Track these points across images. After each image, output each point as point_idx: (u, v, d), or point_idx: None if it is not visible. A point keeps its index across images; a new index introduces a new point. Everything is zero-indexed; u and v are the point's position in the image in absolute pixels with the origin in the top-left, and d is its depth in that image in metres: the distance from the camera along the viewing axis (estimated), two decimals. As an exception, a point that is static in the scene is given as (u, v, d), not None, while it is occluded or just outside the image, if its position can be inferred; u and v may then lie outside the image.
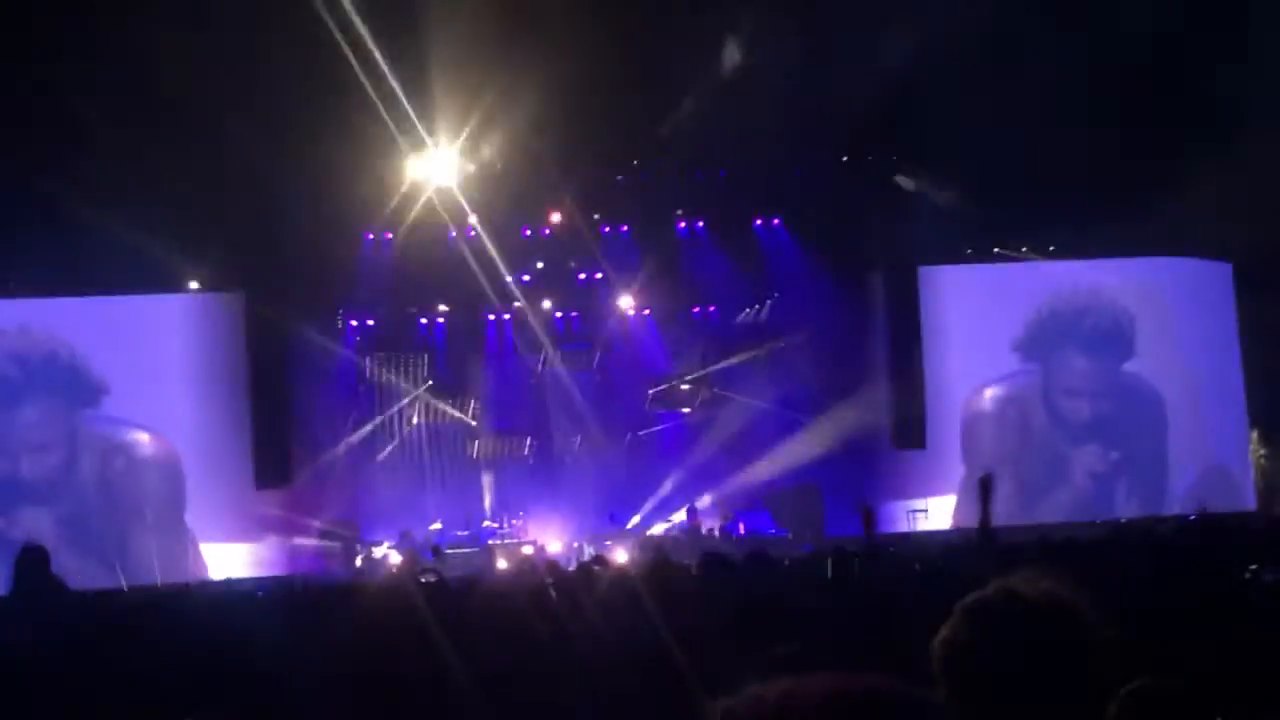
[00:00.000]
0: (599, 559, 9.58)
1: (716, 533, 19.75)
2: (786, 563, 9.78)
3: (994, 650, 2.14)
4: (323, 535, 18.93)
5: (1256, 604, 4.57)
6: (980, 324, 21.24)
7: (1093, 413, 21.47)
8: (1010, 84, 16.69)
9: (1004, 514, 19.67)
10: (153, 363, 19.31)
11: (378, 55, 15.53)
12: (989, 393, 21.38)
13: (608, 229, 20.48)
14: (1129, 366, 21.63)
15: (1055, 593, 2.17)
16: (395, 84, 15.86)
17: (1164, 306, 21.65)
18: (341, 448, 19.69)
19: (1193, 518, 16.49)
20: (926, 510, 20.04)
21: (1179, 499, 21.13)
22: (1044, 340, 21.46)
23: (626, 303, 20.88)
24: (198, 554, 19.06)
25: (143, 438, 19.35)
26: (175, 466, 19.35)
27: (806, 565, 9.21)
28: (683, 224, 20.88)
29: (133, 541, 18.89)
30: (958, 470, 20.83)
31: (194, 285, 19.17)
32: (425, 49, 15.75)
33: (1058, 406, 21.45)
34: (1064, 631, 2.13)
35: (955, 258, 20.97)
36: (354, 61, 15.39)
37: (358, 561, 18.72)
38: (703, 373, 21.82)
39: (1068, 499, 20.91)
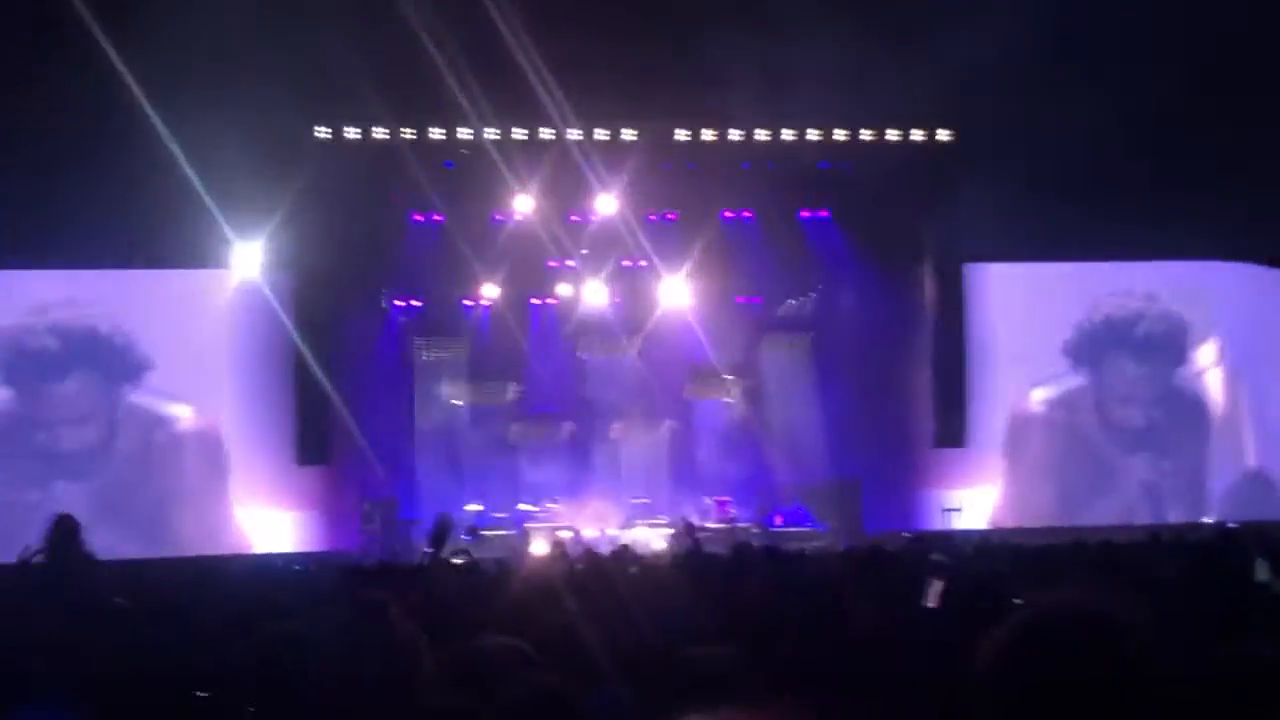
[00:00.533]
0: (625, 548, 9.61)
1: (753, 526, 19.70)
2: (815, 557, 9.78)
3: (1056, 676, 1.95)
4: (362, 514, 19.05)
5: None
6: (1027, 323, 21.07)
7: (1145, 420, 21.27)
8: (1065, 86, 16.57)
9: (1048, 520, 19.71)
10: (197, 338, 19.47)
11: (428, 31, 15.57)
12: (1038, 395, 21.22)
13: (654, 217, 20.43)
14: (1180, 373, 21.43)
15: (1108, 610, 2.01)
16: (443, 61, 15.87)
17: (1213, 311, 21.44)
18: (382, 428, 19.76)
19: (1231, 525, 16.35)
20: (961, 509, 19.92)
21: (1217, 505, 20.95)
22: (1096, 345, 21.28)
23: (671, 291, 20.82)
24: (238, 528, 19.27)
25: (184, 412, 19.55)
26: (217, 441, 19.55)
27: (843, 560, 9.19)
28: (729, 214, 20.80)
29: (171, 515, 19.10)
30: (996, 467, 20.73)
31: (242, 263, 19.26)
32: (478, 29, 15.75)
33: (1111, 414, 21.25)
34: (1121, 654, 1.97)
35: (1003, 255, 20.79)
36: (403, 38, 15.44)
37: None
38: (744, 363, 21.79)
39: (1118, 507, 20.61)
